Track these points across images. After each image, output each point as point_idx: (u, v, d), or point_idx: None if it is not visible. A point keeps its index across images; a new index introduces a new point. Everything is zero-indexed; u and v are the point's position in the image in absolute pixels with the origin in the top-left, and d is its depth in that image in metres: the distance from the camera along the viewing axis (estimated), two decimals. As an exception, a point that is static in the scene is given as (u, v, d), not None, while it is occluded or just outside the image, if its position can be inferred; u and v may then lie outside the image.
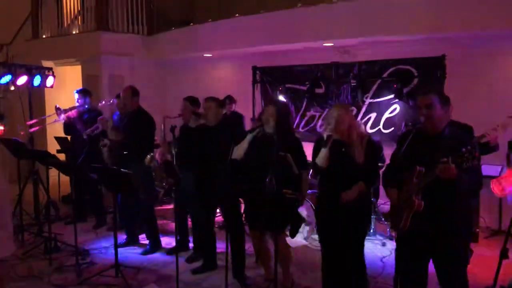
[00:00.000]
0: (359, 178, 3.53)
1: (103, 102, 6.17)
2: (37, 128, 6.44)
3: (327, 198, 3.71)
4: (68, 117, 6.24)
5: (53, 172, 6.28)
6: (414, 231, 2.91)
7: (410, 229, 2.91)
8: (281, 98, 7.30)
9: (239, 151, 4.06)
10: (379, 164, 5.21)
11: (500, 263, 3.73)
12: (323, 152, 3.56)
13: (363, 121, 6.83)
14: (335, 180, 3.61)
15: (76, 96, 6.38)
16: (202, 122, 4.71)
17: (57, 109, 6.25)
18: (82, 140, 6.07)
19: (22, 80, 6.24)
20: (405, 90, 6.44)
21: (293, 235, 4.19)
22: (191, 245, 5.36)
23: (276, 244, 3.68)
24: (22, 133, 6.52)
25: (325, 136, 3.61)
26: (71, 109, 6.29)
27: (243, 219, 4.53)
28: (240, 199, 4.74)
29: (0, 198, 2.50)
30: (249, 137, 4.04)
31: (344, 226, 3.57)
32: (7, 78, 6.19)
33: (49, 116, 6.82)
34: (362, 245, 3.71)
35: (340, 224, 3.57)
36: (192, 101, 5.01)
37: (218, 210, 5.55)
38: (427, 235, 2.96)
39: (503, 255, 3.72)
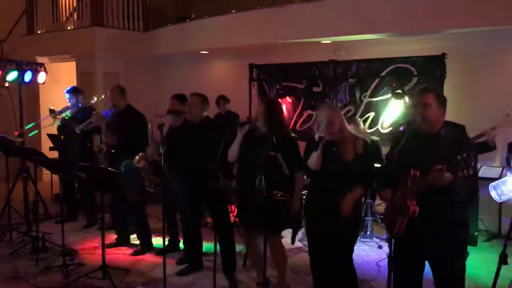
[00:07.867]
0: (354, 180, 3.38)
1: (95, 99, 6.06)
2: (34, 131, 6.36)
3: (318, 199, 3.58)
4: (63, 119, 6.09)
5: (46, 171, 6.15)
6: (409, 236, 2.80)
7: (405, 234, 2.80)
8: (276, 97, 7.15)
9: (232, 153, 3.96)
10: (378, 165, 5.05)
11: (499, 269, 3.60)
12: (315, 154, 3.45)
13: (362, 119, 6.68)
14: (328, 181, 3.48)
15: (67, 96, 6.21)
16: (185, 118, 4.56)
17: (51, 111, 6.07)
18: (76, 139, 5.94)
19: (12, 75, 6.11)
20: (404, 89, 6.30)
21: (293, 241, 4.08)
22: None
23: (266, 245, 3.51)
24: (16, 133, 6.36)
25: (316, 137, 3.51)
26: (64, 110, 6.14)
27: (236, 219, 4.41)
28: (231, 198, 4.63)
29: None
30: (239, 135, 3.93)
31: (333, 228, 3.42)
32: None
33: (45, 118, 6.61)
34: (351, 250, 3.57)
35: (329, 226, 3.44)
36: (180, 98, 4.89)
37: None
38: (421, 240, 2.85)
39: (502, 260, 3.58)
